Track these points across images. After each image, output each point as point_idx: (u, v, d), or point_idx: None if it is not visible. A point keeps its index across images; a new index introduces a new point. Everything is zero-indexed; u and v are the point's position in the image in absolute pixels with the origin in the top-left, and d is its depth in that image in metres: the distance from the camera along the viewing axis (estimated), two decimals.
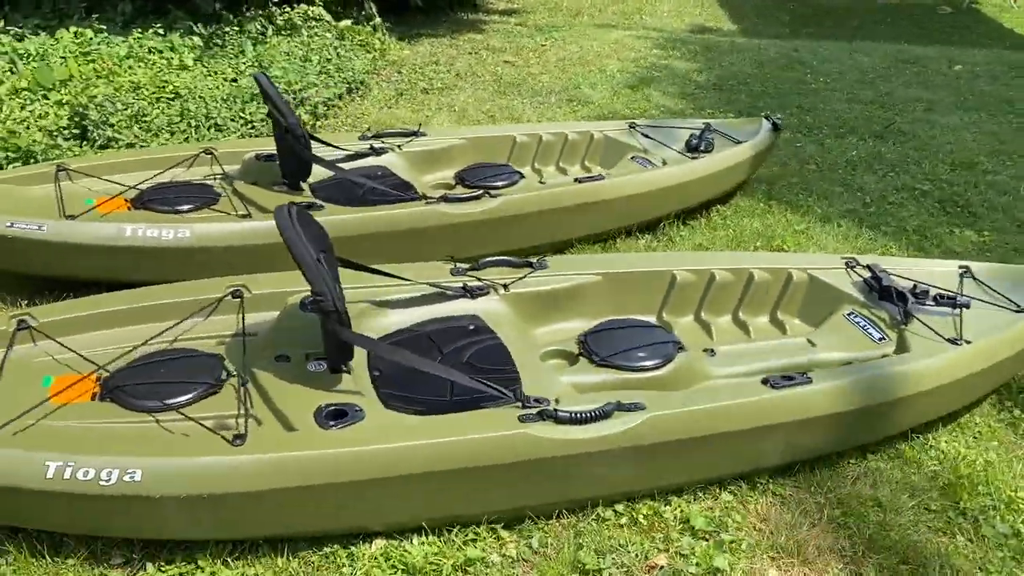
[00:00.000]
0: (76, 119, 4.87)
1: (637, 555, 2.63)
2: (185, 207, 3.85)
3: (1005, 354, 3.22)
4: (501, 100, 7.15)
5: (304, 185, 4.21)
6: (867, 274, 3.55)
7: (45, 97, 5.23)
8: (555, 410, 2.60)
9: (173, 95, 5.47)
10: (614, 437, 2.60)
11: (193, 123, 5.22)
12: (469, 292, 3.29)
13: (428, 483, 2.52)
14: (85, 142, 4.81)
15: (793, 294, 3.61)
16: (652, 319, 3.53)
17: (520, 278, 3.39)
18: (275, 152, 4.28)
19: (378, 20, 8.39)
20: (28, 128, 4.61)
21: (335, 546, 2.60)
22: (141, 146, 5.00)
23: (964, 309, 3.36)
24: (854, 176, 5.75)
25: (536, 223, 4.24)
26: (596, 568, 2.56)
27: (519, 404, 2.66)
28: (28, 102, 5.11)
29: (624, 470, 2.70)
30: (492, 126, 5.56)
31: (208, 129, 5.25)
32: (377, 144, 4.71)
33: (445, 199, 4.03)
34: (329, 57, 6.93)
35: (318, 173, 4.27)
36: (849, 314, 3.47)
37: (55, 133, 4.75)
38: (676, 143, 4.91)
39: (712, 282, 3.58)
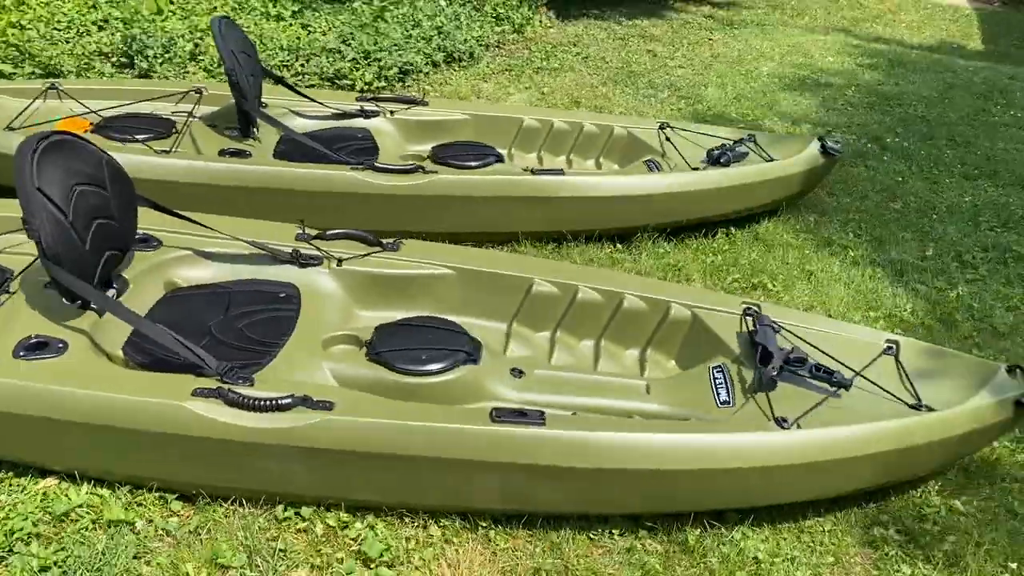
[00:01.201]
0: (125, 47, 5.26)
1: (287, 565, 2.41)
2: (134, 136, 4.02)
3: (849, 452, 2.56)
4: (603, 88, 6.78)
5: (259, 136, 4.24)
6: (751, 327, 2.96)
7: (105, 23, 5.68)
8: (230, 390, 2.43)
9: None
10: (278, 432, 2.39)
11: None
12: (298, 260, 3.16)
13: (94, 435, 2.47)
14: (130, 69, 5.18)
15: (669, 332, 3.12)
16: (489, 323, 3.20)
17: (361, 255, 3.20)
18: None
19: None
20: (74, 47, 5.03)
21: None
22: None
23: (843, 389, 2.72)
24: (938, 224, 4.81)
25: (471, 209, 3.98)
26: (229, 565, 2.37)
27: (217, 377, 2.52)
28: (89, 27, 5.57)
29: (300, 471, 2.48)
30: (504, 106, 5.31)
31: None
32: (369, 107, 4.63)
33: (373, 167, 3.89)
34: (440, 24, 6.91)
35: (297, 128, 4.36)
36: (716, 367, 2.93)
37: (96, 56, 5.13)
38: (701, 151, 4.37)
39: (574, 300, 3.17)
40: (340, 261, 3.18)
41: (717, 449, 2.49)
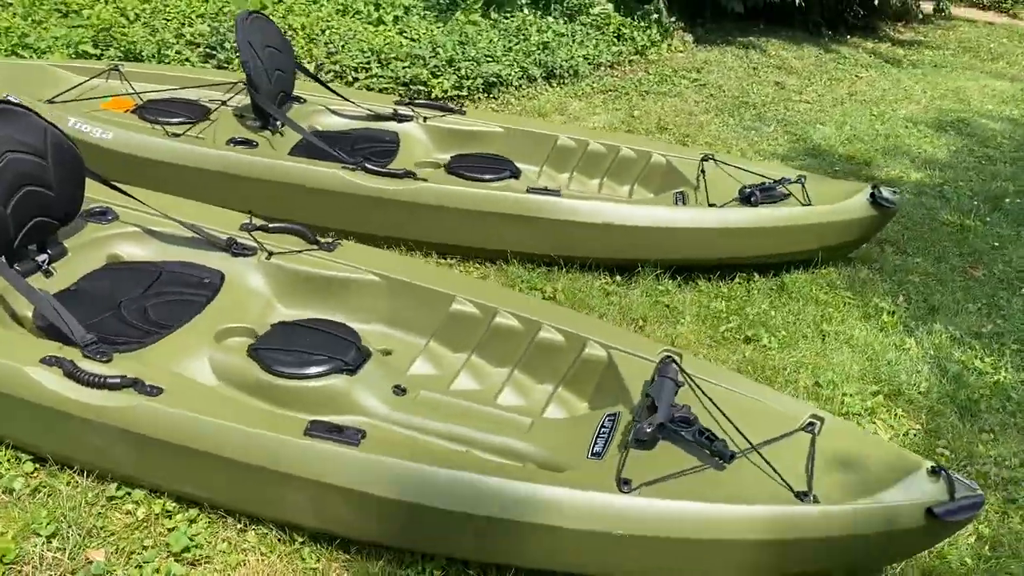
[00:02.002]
0: (209, 38, 5.59)
1: (93, 544, 2.42)
2: (167, 119, 4.24)
3: (693, 532, 2.25)
4: (702, 117, 6.44)
5: (281, 129, 4.34)
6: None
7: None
8: (74, 362, 2.48)
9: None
10: (95, 409, 2.41)
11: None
12: (231, 248, 3.20)
13: None
14: (212, 60, 5.50)
15: (583, 370, 2.88)
16: (407, 337, 3.10)
17: (295, 251, 3.20)
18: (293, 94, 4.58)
19: (664, 17, 7.98)
20: (163, 35, 5.41)
21: None
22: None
23: (726, 463, 2.40)
24: (1017, 300, 4.16)
25: (457, 222, 3.87)
26: (39, 533, 2.42)
27: (80, 348, 2.58)
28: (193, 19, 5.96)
29: (121, 452, 2.49)
30: (541, 122, 5.13)
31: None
32: (404, 111, 4.64)
33: (364, 168, 3.88)
34: (547, 40, 6.84)
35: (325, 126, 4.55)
36: (610, 415, 2.68)
37: (185, 45, 5.49)
38: (736, 188, 4.03)
39: (490, 324, 3.00)
40: (271, 254, 3.18)
41: (538, 502, 2.25)
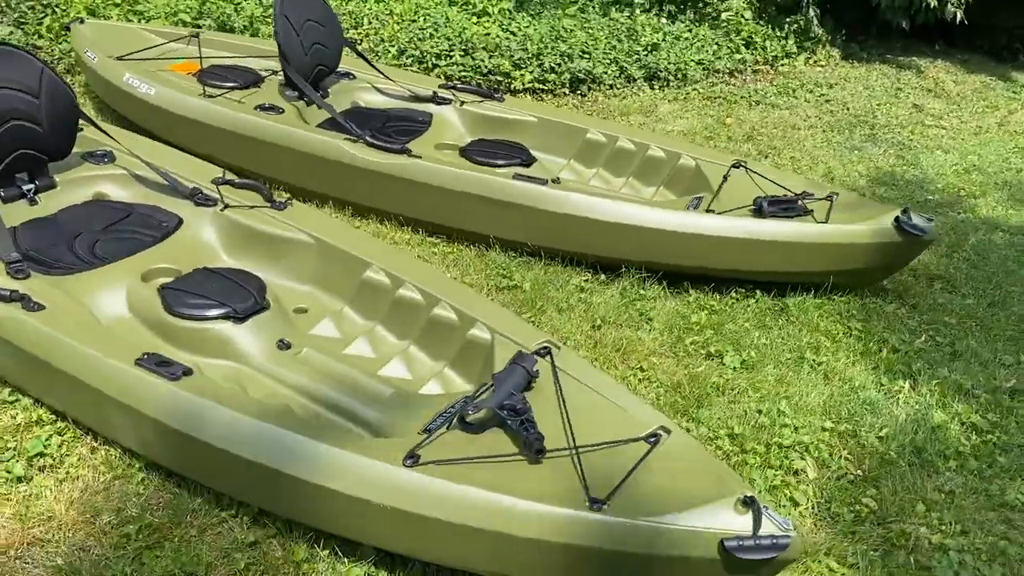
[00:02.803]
0: None
1: None
2: (221, 84, 4.55)
3: (459, 516, 2.15)
4: (803, 132, 6.04)
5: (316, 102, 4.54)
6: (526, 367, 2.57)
7: None
8: None
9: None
10: None
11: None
12: (195, 197, 3.41)
13: None
14: None
15: (471, 351, 2.83)
16: (325, 297, 3.17)
17: (248, 206, 3.36)
18: (342, 71, 4.81)
19: (814, 26, 7.54)
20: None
21: None
22: None
23: (539, 457, 2.29)
24: None
25: (443, 202, 3.89)
26: None
27: (5, 266, 2.86)
28: None
29: (4, 360, 2.73)
30: (574, 115, 4.98)
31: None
32: (443, 94, 4.71)
33: (366, 141, 3.99)
34: (656, 41, 6.69)
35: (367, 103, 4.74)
36: (467, 397, 2.62)
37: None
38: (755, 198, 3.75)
39: (395, 292, 3.01)
40: (226, 207, 3.34)
41: (323, 464, 2.24)
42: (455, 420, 2.40)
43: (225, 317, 2.84)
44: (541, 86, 5.98)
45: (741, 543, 2.00)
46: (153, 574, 2.26)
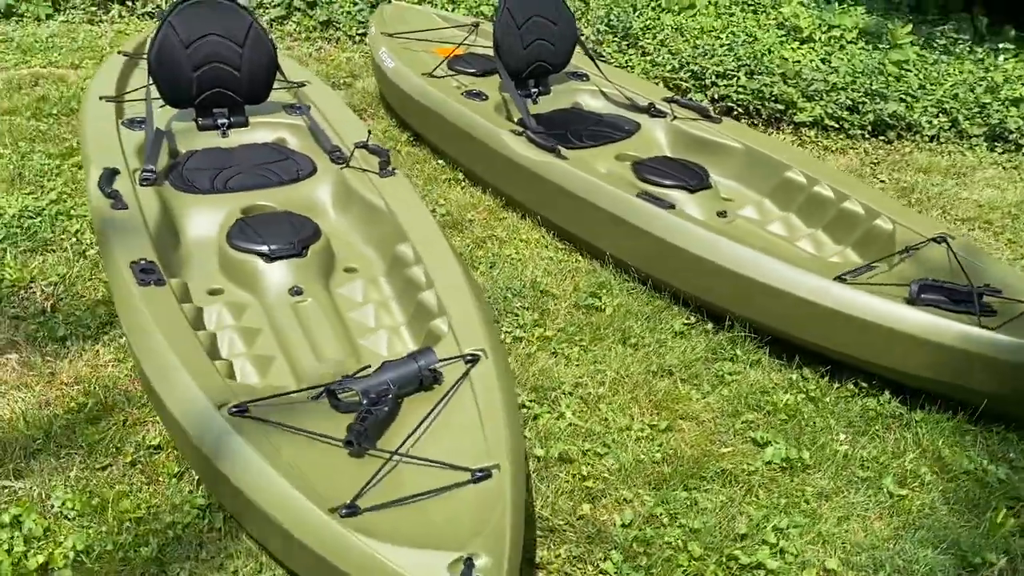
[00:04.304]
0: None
1: None
2: (458, 68, 4.80)
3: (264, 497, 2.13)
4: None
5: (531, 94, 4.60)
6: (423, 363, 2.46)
7: None
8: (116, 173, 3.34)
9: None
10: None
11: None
12: (332, 155, 3.72)
13: None
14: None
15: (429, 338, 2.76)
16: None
17: (362, 170, 3.58)
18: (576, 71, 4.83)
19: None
20: None
21: None
22: None
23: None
24: None
25: (568, 206, 3.75)
26: None
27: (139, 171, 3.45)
28: None
29: None
30: (783, 147, 4.31)
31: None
32: (662, 106, 4.48)
33: (522, 134, 4.00)
34: (1020, 96, 5.58)
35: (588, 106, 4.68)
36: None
37: None
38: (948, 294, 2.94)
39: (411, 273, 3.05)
40: (347, 165, 3.60)
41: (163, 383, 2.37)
42: (323, 392, 2.34)
43: (259, 254, 3.07)
44: (833, 123, 5.30)
45: None
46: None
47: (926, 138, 5.39)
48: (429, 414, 2.26)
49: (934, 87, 5.58)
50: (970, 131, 5.40)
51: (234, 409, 2.20)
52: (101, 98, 3.99)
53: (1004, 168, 5.17)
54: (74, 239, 3.60)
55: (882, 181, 4.88)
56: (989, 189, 4.84)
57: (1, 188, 3.92)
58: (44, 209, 3.76)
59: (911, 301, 2.92)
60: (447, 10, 6.21)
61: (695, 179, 3.84)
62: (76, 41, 5.86)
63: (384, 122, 4.99)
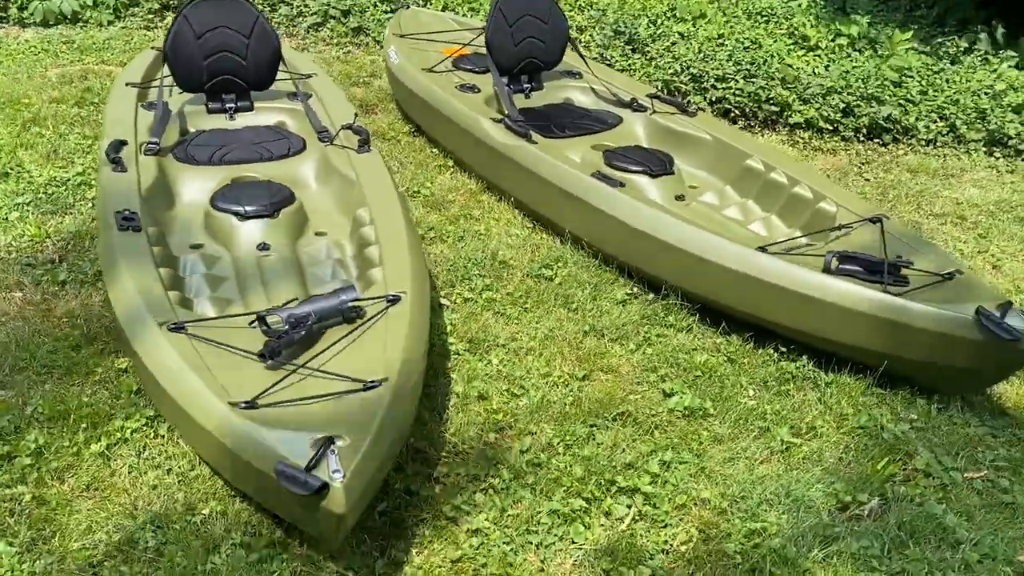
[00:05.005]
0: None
1: None
2: (461, 66, 5.15)
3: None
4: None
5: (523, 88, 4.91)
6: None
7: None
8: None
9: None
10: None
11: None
12: (320, 135, 4.11)
13: None
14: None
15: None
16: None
17: (341, 146, 3.96)
18: (569, 69, 5.11)
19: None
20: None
21: None
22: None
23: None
24: None
25: (533, 186, 4.02)
26: None
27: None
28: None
29: None
30: (747, 140, 4.49)
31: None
32: (643, 102, 4.72)
33: (500, 121, 4.30)
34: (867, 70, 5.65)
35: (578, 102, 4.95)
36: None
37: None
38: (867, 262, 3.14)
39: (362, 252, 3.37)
40: (331, 143, 3.97)
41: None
42: (256, 320, 2.67)
43: (235, 214, 3.44)
44: (827, 126, 5.46)
45: (286, 469, 2.01)
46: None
47: (922, 142, 5.48)
48: (342, 339, 2.56)
49: (936, 93, 5.66)
50: (968, 136, 5.46)
51: (172, 326, 2.55)
52: (127, 84, 4.44)
53: (998, 171, 5.24)
54: (89, 205, 4.03)
55: (866, 179, 5.00)
56: (973, 189, 4.92)
57: (37, 161, 4.40)
58: (69, 179, 4.22)
59: (827, 270, 3.10)
60: (466, 15, 6.55)
61: (659, 166, 4.07)
62: (130, 43, 6.42)
63: (391, 116, 5.35)
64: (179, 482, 2.53)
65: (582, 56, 5.06)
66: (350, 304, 2.69)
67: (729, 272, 3.24)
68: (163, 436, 2.68)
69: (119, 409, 2.76)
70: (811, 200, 3.76)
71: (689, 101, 5.33)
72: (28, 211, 3.94)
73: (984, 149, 5.44)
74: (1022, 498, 2.65)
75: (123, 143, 3.71)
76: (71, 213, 3.98)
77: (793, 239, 3.43)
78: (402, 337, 2.58)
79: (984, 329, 2.75)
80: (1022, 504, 2.63)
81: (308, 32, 6.84)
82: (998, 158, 5.38)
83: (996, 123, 5.42)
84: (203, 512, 2.42)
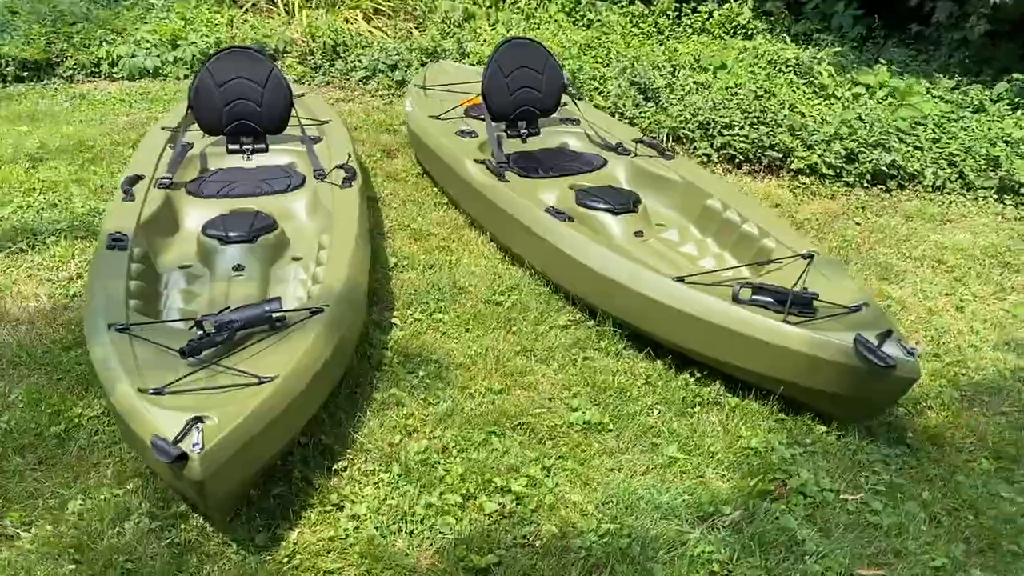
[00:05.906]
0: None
1: None
2: (469, 114, 5.58)
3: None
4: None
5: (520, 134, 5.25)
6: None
7: None
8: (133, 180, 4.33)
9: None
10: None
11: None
12: (316, 174, 4.57)
13: None
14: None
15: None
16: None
17: (337, 185, 4.40)
18: (568, 116, 5.43)
19: None
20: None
21: None
22: None
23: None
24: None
25: (503, 220, 4.35)
26: None
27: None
28: None
29: None
30: (717, 183, 4.60)
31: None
32: (628, 146, 4.99)
33: (482, 162, 4.66)
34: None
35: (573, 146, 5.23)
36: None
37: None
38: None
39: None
40: (323, 180, 4.41)
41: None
42: (194, 325, 3.06)
43: (218, 238, 3.90)
44: (829, 172, 5.56)
45: (156, 440, 2.36)
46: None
47: (928, 188, 5.49)
48: (257, 342, 2.92)
49: (949, 140, 5.68)
50: (976, 183, 5.45)
51: (119, 327, 2.97)
52: (162, 128, 5.04)
53: (1004, 218, 5.21)
54: None
55: (857, 223, 5.07)
56: (965, 234, 4.92)
57: (84, 194, 5.01)
58: (104, 210, 4.80)
59: (734, 299, 3.28)
60: None
61: (622, 204, 4.31)
62: None
63: (407, 160, 5.77)
64: (116, 461, 2.91)
65: (576, 104, 5.36)
66: (274, 314, 3.04)
67: (647, 300, 3.44)
68: (115, 423, 3.08)
69: (82, 399, 3.19)
70: (756, 237, 3.92)
71: (672, 147, 5.52)
72: (63, 235, 4.51)
73: (995, 196, 5.40)
74: (888, 520, 2.73)
75: (139, 177, 4.23)
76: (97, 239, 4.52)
77: (718, 271, 3.60)
78: (308, 341, 2.91)
79: (861, 356, 2.86)
80: (885, 525, 2.71)
81: (358, 84, 7.40)
82: (1007, 205, 5.34)
83: (1006, 170, 5.38)
84: (127, 487, 2.79)
